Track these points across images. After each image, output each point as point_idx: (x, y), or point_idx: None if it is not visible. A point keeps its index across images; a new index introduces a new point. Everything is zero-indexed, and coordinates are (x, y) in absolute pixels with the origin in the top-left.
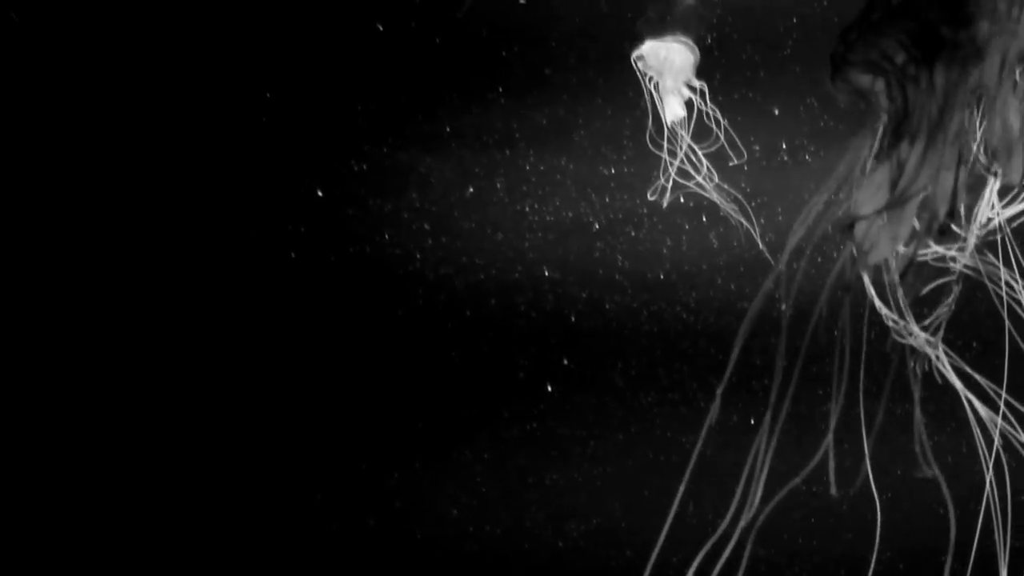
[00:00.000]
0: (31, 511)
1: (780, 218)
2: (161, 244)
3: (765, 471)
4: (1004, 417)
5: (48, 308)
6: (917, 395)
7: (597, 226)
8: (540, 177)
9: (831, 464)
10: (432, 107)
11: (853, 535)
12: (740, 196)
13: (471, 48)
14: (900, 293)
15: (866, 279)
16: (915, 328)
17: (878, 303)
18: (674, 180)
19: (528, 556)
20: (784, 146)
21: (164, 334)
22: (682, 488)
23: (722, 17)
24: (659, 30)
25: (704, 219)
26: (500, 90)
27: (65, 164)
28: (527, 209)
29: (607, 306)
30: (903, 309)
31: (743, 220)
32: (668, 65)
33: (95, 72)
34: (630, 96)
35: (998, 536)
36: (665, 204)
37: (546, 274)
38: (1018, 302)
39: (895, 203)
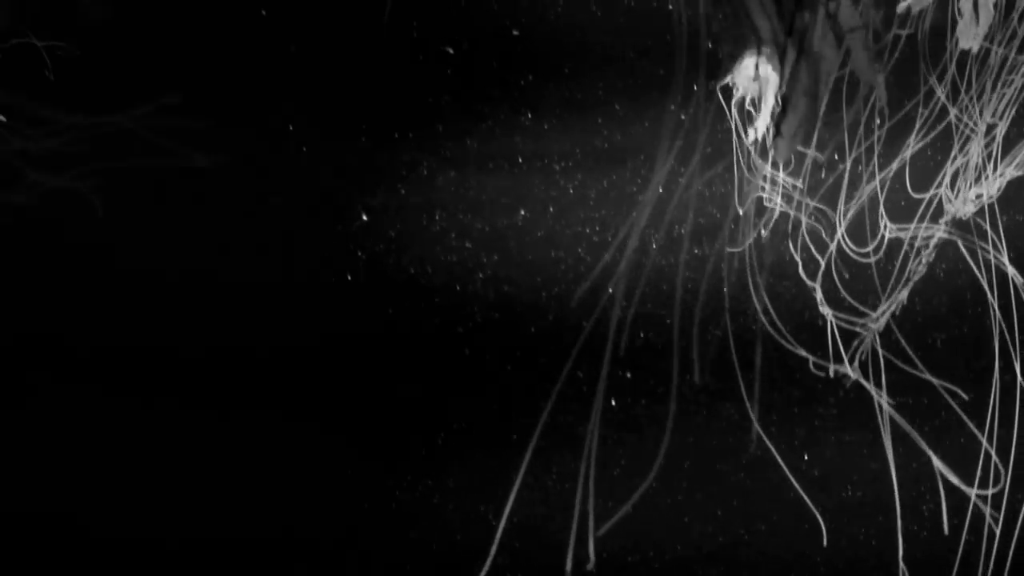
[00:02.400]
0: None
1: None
2: (221, 281)
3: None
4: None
5: (100, 329)
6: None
7: (655, 244)
8: (593, 199)
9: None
10: (465, 131)
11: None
12: (826, 209)
13: (490, 75)
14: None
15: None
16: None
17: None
18: (766, 200)
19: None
20: (835, 155)
21: (236, 365)
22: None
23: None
24: (740, 52)
25: (763, 232)
26: (530, 115)
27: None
28: (588, 231)
29: (668, 321)
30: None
31: (825, 232)
32: (763, 82)
33: (147, 103)
34: (675, 117)
35: None
36: (768, 228)
37: (609, 291)
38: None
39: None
